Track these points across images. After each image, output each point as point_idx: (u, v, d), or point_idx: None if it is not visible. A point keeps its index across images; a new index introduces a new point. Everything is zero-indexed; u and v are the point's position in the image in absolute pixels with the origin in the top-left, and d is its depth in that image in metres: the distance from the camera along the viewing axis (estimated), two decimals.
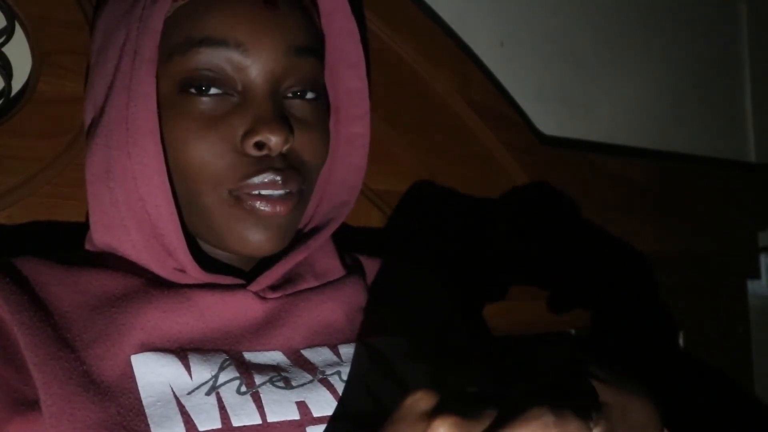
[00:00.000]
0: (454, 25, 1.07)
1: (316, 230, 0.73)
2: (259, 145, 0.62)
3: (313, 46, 0.66)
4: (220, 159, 0.62)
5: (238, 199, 0.63)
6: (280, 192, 0.63)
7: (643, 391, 0.55)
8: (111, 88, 0.65)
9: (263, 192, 0.63)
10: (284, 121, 0.63)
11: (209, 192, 0.63)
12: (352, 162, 0.75)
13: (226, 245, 0.65)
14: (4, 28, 0.76)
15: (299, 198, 0.65)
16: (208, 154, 0.62)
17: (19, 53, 0.77)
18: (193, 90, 0.62)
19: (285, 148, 0.63)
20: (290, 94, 0.65)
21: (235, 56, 0.62)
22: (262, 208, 0.63)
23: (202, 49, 0.62)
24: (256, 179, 0.62)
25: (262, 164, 0.62)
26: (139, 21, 0.63)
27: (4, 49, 0.77)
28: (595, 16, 1.24)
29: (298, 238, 0.72)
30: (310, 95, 0.66)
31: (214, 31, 0.62)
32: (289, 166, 0.63)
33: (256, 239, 0.63)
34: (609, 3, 1.25)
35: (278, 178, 0.62)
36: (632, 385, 0.53)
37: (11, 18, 0.76)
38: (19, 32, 0.77)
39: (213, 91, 0.63)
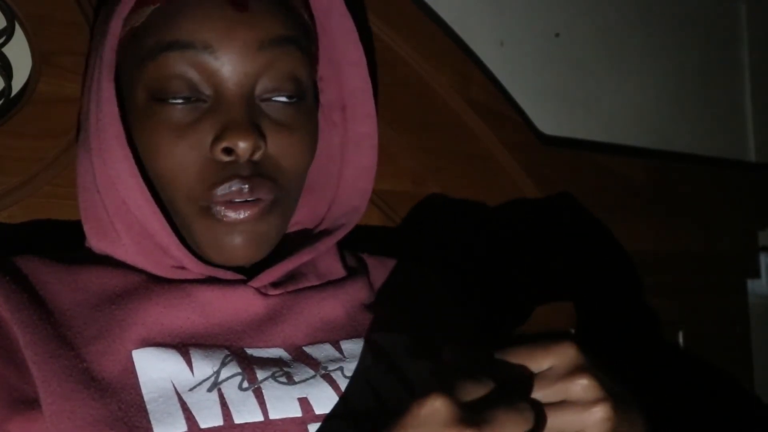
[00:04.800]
0: (454, 25, 1.07)
1: (325, 233, 0.73)
2: (227, 151, 0.61)
3: (290, 36, 0.64)
4: (190, 167, 0.62)
5: (208, 209, 0.62)
6: (248, 199, 0.62)
7: (632, 400, 0.55)
8: (89, 94, 0.65)
9: (232, 200, 0.62)
10: (254, 126, 0.62)
11: (184, 203, 0.63)
12: (362, 163, 0.75)
13: (205, 255, 0.65)
14: (4, 29, 0.77)
15: (270, 205, 0.64)
16: (177, 163, 0.62)
17: (19, 53, 0.77)
18: (163, 97, 0.62)
19: (257, 155, 0.62)
20: (268, 97, 0.64)
21: (204, 58, 0.61)
22: (229, 214, 0.62)
23: (170, 53, 0.61)
24: (222, 189, 0.61)
25: (229, 171, 0.61)
26: (105, 24, 0.64)
27: (4, 50, 0.77)
28: (595, 16, 1.24)
29: (307, 238, 0.72)
30: (290, 98, 0.65)
31: (182, 34, 0.61)
32: (257, 173, 0.62)
33: (229, 248, 0.63)
34: (609, 3, 1.25)
35: (245, 186, 0.61)
36: (627, 397, 0.54)
37: (11, 18, 0.76)
38: (19, 32, 0.77)
39: (183, 97, 0.62)
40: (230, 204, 0.62)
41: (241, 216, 0.62)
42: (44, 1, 0.75)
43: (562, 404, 0.50)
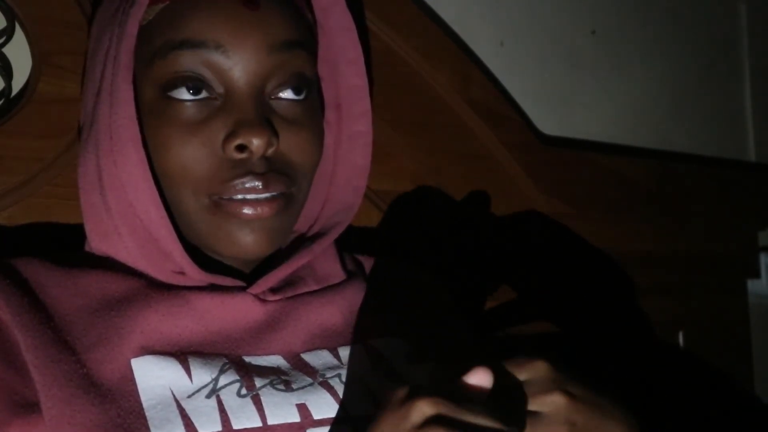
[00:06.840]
0: (454, 25, 1.06)
1: (320, 234, 0.72)
2: (241, 148, 0.61)
3: (298, 39, 0.65)
4: (201, 164, 0.62)
5: (218, 205, 0.62)
6: (264, 195, 0.62)
7: (622, 413, 0.54)
8: (98, 95, 0.65)
9: (246, 197, 0.62)
10: (267, 124, 0.62)
11: (189, 198, 0.63)
12: (355, 161, 0.74)
13: (215, 249, 0.65)
14: (4, 29, 0.77)
15: (286, 201, 0.64)
16: (188, 159, 0.61)
17: (19, 53, 0.77)
18: (174, 95, 0.62)
19: (270, 151, 0.62)
20: (277, 95, 0.64)
21: (216, 58, 0.61)
22: (245, 211, 0.62)
23: (181, 52, 0.61)
24: (236, 183, 0.61)
25: (242, 168, 0.61)
26: (118, 26, 0.63)
27: (4, 49, 0.77)
28: (595, 15, 1.24)
29: (302, 241, 0.71)
30: (298, 94, 0.65)
31: (193, 33, 0.61)
32: (271, 169, 0.62)
33: (242, 242, 0.63)
34: (609, 3, 1.25)
35: (258, 183, 0.61)
36: (607, 407, 0.54)
37: (11, 18, 0.76)
38: (19, 32, 0.77)
39: (194, 95, 0.62)
40: (246, 201, 0.62)
41: (259, 212, 0.62)
42: (44, 1, 0.75)
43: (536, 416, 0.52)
